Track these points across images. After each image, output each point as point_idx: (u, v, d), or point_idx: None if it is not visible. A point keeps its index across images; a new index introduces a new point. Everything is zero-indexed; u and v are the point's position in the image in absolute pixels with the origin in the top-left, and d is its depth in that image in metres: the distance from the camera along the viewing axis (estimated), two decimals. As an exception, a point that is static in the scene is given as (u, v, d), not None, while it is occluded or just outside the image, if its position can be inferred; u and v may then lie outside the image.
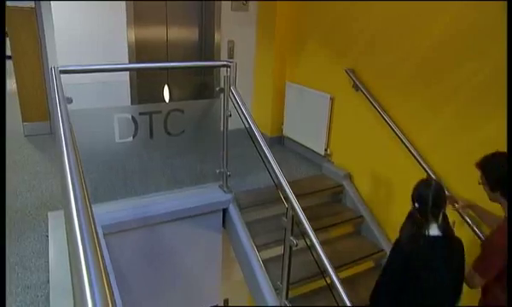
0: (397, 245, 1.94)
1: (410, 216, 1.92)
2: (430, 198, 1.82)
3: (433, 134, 2.85)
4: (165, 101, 3.99)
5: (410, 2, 2.88)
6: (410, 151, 2.92)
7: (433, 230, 1.84)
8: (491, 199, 1.98)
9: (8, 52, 8.79)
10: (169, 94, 4.33)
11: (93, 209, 1.02)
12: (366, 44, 3.31)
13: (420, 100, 2.90)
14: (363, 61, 3.36)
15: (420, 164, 2.85)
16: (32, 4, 4.54)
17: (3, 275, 2.15)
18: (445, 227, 1.86)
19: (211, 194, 3.04)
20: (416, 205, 1.87)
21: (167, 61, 4.04)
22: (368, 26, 3.27)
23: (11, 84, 5.50)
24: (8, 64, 6.89)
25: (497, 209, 2.00)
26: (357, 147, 3.53)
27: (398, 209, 3.17)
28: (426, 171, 2.82)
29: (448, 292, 1.90)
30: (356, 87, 3.34)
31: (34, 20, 4.63)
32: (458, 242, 1.91)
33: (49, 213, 2.96)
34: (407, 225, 1.93)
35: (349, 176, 3.59)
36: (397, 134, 3.02)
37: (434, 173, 2.78)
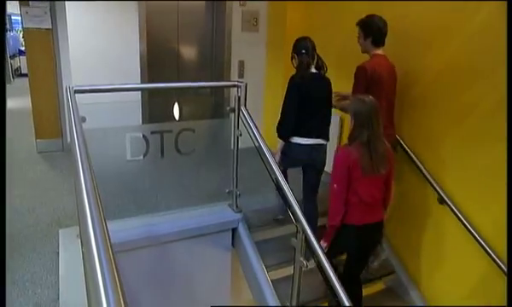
0: (292, 81, 2.75)
1: (300, 63, 2.75)
2: (310, 48, 2.76)
3: (443, 153, 2.83)
4: (175, 118, 4.04)
5: (419, 25, 2.91)
6: (420, 170, 2.91)
7: (312, 69, 2.79)
8: (363, 51, 2.92)
9: (25, 70, 9.05)
10: (179, 112, 4.38)
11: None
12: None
13: (430, 120, 2.91)
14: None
15: (430, 183, 2.83)
16: (49, 26, 4.67)
17: (3, 275, 2.16)
18: (319, 67, 2.83)
19: (220, 214, 3.04)
20: (303, 51, 2.74)
21: (178, 81, 4.11)
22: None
23: (27, 102, 5.62)
24: (25, 81, 7.06)
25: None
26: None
27: (408, 227, 3.15)
28: (436, 191, 2.80)
29: (323, 106, 2.84)
30: (365, 107, 3.35)
31: (50, 40, 4.75)
32: (328, 79, 2.88)
33: (60, 230, 2.99)
34: (300, 68, 2.75)
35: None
36: (408, 153, 3.01)
37: (445, 193, 2.76)
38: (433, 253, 2.95)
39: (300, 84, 2.71)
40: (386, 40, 2.84)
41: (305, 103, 2.70)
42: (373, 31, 2.79)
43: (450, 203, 2.71)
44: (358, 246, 2.50)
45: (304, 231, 2.21)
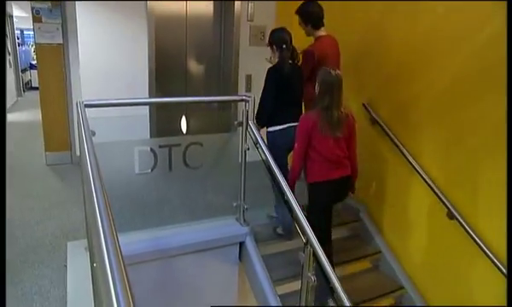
0: (272, 70, 2.95)
1: (282, 57, 2.92)
2: (288, 41, 2.92)
3: (453, 168, 2.81)
4: (182, 132, 4.07)
5: (428, 37, 2.91)
6: (429, 185, 2.89)
7: (289, 59, 2.94)
8: (307, 35, 3.18)
9: (36, 84, 9.15)
10: (186, 126, 4.41)
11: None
12: (383, 79, 3.35)
13: (440, 133, 2.89)
14: (380, 96, 3.38)
15: (440, 198, 2.81)
16: (61, 41, 4.76)
17: (3, 276, 2.17)
18: (294, 58, 2.98)
19: (228, 227, 3.04)
20: (284, 46, 2.90)
21: (186, 95, 4.15)
22: (385, 61, 3.31)
23: (37, 115, 5.70)
24: (35, 95, 7.16)
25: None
26: (374, 181, 3.50)
27: (417, 244, 3.12)
28: (446, 206, 2.77)
29: (298, 94, 3.05)
30: (373, 121, 3.35)
31: (61, 55, 4.85)
32: (300, 68, 3.04)
33: (68, 243, 3.01)
34: (280, 58, 2.93)
35: (366, 211, 3.55)
36: (415, 168, 2.99)
37: (455, 208, 2.74)
38: (443, 269, 2.91)
39: (279, 75, 2.91)
40: (397, 54, 2.87)
41: (283, 93, 2.93)
42: (311, 16, 3.12)
43: (459, 218, 2.68)
44: (328, 198, 2.81)
45: (311, 245, 2.20)
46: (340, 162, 2.71)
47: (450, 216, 2.73)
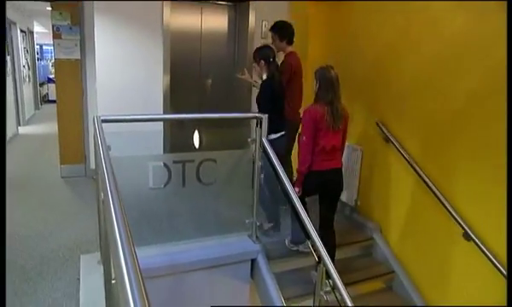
0: (265, 83, 3.22)
1: (271, 69, 3.19)
2: (275, 56, 3.23)
3: (469, 187, 2.77)
4: (195, 148, 4.10)
5: (445, 52, 2.90)
6: (444, 205, 2.85)
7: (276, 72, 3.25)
8: (278, 50, 3.44)
9: (53, 97, 9.34)
10: (199, 141, 4.44)
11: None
12: (397, 96, 3.33)
13: (456, 152, 2.86)
14: (394, 113, 3.37)
15: (455, 218, 2.76)
16: (79, 57, 4.89)
17: (3, 276, 2.18)
18: (277, 70, 3.27)
19: (240, 244, 3.03)
20: (271, 60, 3.19)
21: (200, 112, 4.19)
22: (399, 78, 3.31)
23: (52, 128, 5.82)
24: (53, 107, 7.31)
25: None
26: (387, 199, 3.47)
27: (432, 265, 3.07)
28: (461, 226, 2.73)
29: (283, 102, 3.32)
30: (386, 139, 3.34)
31: (79, 70, 4.97)
32: (282, 80, 3.30)
33: (81, 256, 3.02)
34: (269, 72, 3.20)
35: (379, 229, 3.51)
36: (430, 187, 2.96)
37: (471, 228, 2.69)
38: (459, 290, 2.85)
39: (272, 87, 3.20)
40: (411, 70, 2.87)
41: (276, 103, 3.23)
42: (288, 32, 3.47)
43: (476, 240, 2.63)
44: (324, 188, 2.98)
45: (324, 264, 2.18)
46: (334, 153, 2.92)
47: (467, 237, 2.68)
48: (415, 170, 3.07)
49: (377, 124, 3.44)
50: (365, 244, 3.52)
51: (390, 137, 3.30)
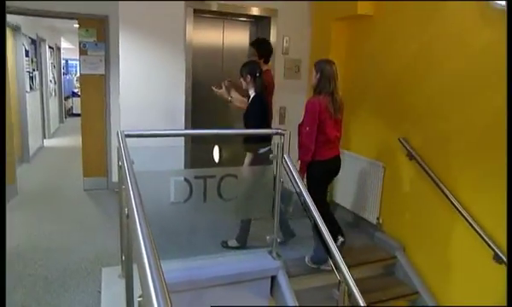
0: (255, 98, 3.27)
1: (260, 83, 3.27)
2: (258, 71, 3.28)
3: (497, 206, 2.67)
4: (215, 162, 4.12)
5: (470, 68, 2.84)
6: (469, 223, 2.76)
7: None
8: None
9: (76, 110, 9.57)
10: (219, 156, 4.46)
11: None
12: (421, 112, 3.28)
13: (482, 169, 2.77)
14: (417, 130, 3.31)
15: (482, 237, 2.67)
16: (103, 72, 5.01)
17: (3, 276, 2.19)
18: (264, 86, 3.34)
19: (260, 261, 2.99)
20: (258, 74, 3.25)
21: (221, 128, 4.22)
22: (423, 94, 3.25)
23: (77, 140, 5.96)
24: (76, 121, 7.48)
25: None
26: (411, 217, 3.39)
27: (459, 287, 2.96)
28: (489, 246, 2.63)
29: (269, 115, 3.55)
30: (410, 156, 3.28)
31: (103, 84, 5.09)
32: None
33: (102, 269, 3.05)
34: (256, 87, 3.26)
35: (402, 248, 3.42)
36: (455, 205, 2.88)
37: (499, 248, 2.59)
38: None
39: (262, 101, 3.32)
40: (436, 86, 2.79)
41: (266, 116, 3.38)
42: (267, 52, 3.66)
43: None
44: (328, 176, 3.24)
45: (346, 283, 2.14)
46: (335, 142, 3.14)
47: (498, 259, 2.57)
48: (439, 187, 2.99)
49: (400, 140, 3.38)
50: (388, 263, 3.44)
51: (413, 154, 3.24)
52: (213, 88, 3.55)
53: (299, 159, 3.09)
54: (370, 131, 3.91)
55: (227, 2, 4.12)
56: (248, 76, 3.28)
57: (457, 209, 2.85)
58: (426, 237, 3.24)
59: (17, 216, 4.22)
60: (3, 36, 2.51)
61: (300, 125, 3.13)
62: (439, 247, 3.11)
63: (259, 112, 3.30)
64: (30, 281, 2.98)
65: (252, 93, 3.34)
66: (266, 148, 3.22)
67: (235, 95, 3.55)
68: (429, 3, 3.18)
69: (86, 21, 4.95)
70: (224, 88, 3.53)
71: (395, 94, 3.57)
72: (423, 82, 3.25)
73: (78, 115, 7.04)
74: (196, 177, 2.80)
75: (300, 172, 3.02)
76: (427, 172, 3.11)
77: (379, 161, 3.70)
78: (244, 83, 3.33)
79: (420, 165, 3.18)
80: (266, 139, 3.23)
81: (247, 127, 3.34)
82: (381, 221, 3.68)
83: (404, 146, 3.32)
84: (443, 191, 2.96)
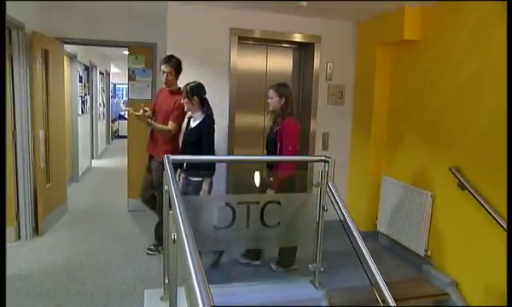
0: (208, 122, 3.33)
1: (203, 105, 3.33)
2: (204, 92, 3.36)
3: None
4: (258, 188, 4.12)
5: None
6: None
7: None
8: (171, 85, 3.68)
9: (122, 133, 9.94)
10: (260, 181, 4.45)
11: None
12: (475, 140, 3.11)
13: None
14: (470, 159, 3.14)
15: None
16: (150, 97, 5.21)
17: (3, 276, 2.22)
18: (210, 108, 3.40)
19: (301, 290, 2.92)
20: (205, 96, 3.34)
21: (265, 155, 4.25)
22: (477, 121, 3.10)
23: (123, 161, 6.19)
24: (122, 142, 7.76)
25: None
26: (464, 251, 3.19)
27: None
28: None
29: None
30: (462, 186, 3.11)
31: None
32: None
33: (145, 291, 3.08)
34: (203, 110, 3.33)
35: (455, 284, 3.21)
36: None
37: None
38: None
39: (212, 122, 3.37)
40: (489, 113, 2.63)
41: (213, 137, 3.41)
42: (180, 70, 3.70)
43: None
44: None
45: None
46: None
47: None
48: (497, 221, 2.80)
49: (450, 169, 3.23)
50: (438, 298, 3.24)
51: (466, 184, 3.07)
52: (130, 110, 3.59)
53: (277, 177, 3.32)
54: (416, 158, 3.77)
55: (271, 29, 4.20)
56: (195, 98, 3.27)
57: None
58: (482, 274, 3.02)
59: (66, 233, 4.40)
60: (3, 36, 2.65)
61: (284, 147, 3.26)
62: (496, 285, 2.89)
63: (211, 132, 3.33)
64: (78, 299, 3.06)
65: (199, 116, 3.32)
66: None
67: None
68: (479, 28, 3.07)
69: (136, 49, 5.20)
70: (142, 111, 3.46)
71: (444, 121, 3.44)
72: (478, 108, 3.10)
73: (124, 137, 7.32)
74: (240, 203, 2.80)
75: (274, 188, 3.26)
76: (482, 205, 2.93)
77: (426, 190, 3.54)
78: (189, 106, 3.31)
79: (474, 196, 3.00)
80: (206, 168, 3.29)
81: (199, 151, 3.27)
82: (429, 253, 3.50)
83: (456, 175, 3.17)
84: (501, 225, 2.77)
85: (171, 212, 1.95)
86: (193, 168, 3.29)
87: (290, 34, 4.31)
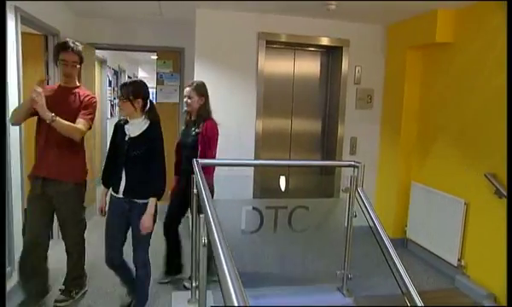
0: (158, 125, 2.68)
1: (150, 108, 2.65)
2: (148, 92, 2.65)
3: None
4: (284, 193, 4.10)
5: None
6: None
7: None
8: (75, 78, 2.93)
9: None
10: (289, 187, 4.43)
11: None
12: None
13: None
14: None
15: None
16: (177, 100, 5.29)
17: (4, 274, 2.22)
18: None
19: (329, 297, 2.88)
20: (149, 99, 2.65)
21: (293, 159, 4.23)
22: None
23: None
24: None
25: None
26: (503, 263, 3.05)
27: None
28: None
29: None
30: (499, 194, 2.99)
31: (176, 112, 5.35)
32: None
33: (172, 293, 3.12)
34: (150, 112, 2.65)
35: (493, 298, 3.08)
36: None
37: None
38: None
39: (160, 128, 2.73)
40: None
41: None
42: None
43: None
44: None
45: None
46: None
47: None
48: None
49: (486, 176, 3.11)
50: (473, 312, 3.12)
51: (504, 192, 2.95)
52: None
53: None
54: (448, 164, 3.65)
55: (298, 33, 4.18)
56: (140, 100, 2.56)
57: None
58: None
59: (95, 234, 4.49)
60: (4, 36, 2.68)
61: (207, 150, 3.03)
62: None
63: (162, 139, 2.68)
64: (107, 300, 3.12)
65: (141, 122, 2.60)
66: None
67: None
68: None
69: (164, 54, 5.28)
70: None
71: (479, 125, 3.32)
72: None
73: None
74: (268, 208, 2.79)
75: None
76: (520, 213, 2.80)
77: (459, 197, 3.42)
78: (128, 110, 2.57)
79: None
80: None
81: (146, 167, 2.61)
82: (463, 263, 3.38)
83: (492, 182, 3.05)
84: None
85: (201, 216, 1.96)
86: (138, 186, 2.62)
87: (318, 38, 4.27)
